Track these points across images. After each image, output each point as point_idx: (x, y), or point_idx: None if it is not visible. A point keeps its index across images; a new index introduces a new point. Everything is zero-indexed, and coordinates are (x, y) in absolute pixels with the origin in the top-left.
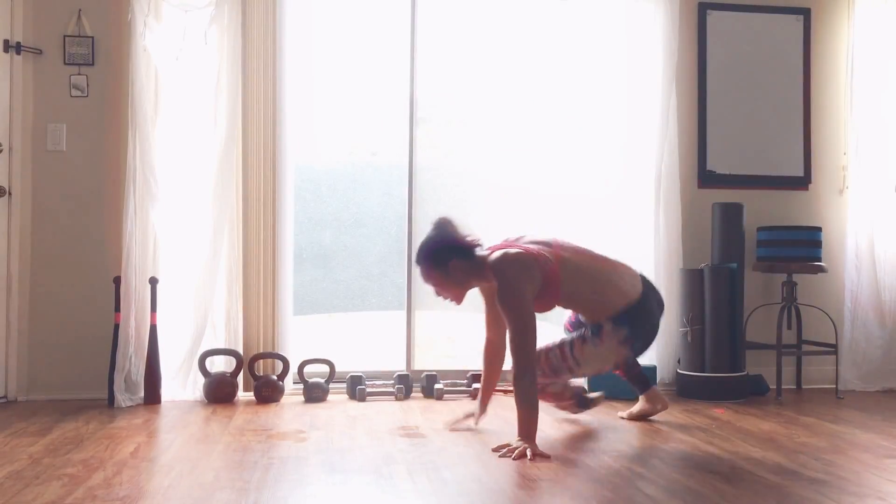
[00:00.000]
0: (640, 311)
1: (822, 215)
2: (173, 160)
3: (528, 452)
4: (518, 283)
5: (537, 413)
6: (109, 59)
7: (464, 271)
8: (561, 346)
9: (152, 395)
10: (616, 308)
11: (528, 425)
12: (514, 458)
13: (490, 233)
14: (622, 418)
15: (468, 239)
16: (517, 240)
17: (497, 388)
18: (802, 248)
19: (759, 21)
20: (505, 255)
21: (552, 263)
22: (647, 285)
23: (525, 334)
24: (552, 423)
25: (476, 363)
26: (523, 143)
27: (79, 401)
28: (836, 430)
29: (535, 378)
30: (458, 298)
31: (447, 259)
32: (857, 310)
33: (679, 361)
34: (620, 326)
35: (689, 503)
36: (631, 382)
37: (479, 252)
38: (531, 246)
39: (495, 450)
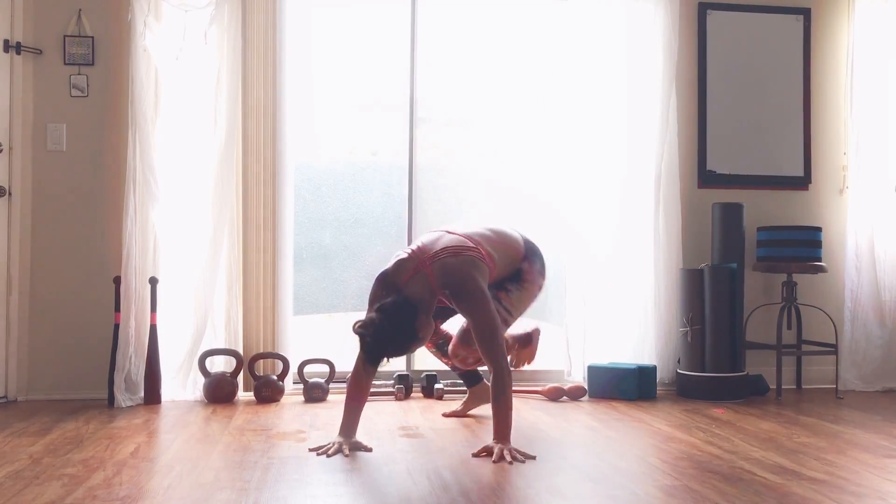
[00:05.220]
0: (530, 243)
1: (822, 215)
2: (173, 160)
3: (506, 455)
4: (475, 283)
5: (511, 413)
6: (109, 59)
7: (425, 317)
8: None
9: (152, 395)
10: (521, 251)
11: (503, 427)
12: (493, 461)
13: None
14: (445, 416)
15: (399, 301)
16: (426, 248)
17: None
18: (802, 248)
19: (759, 21)
20: (446, 265)
21: (484, 255)
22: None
23: (493, 335)
24: (554, 423)
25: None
26: (523, 144)
27: (79, 401)
28: (836, 430)
29: (509, 379)
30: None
31: (414, 334)
32: (857, 310)
33: (679, 361)
34: (533, 260)
35: (689, 503)
36: (462, 377)
37: (404, 281)
38: (456, 244)
39: (475, 455)
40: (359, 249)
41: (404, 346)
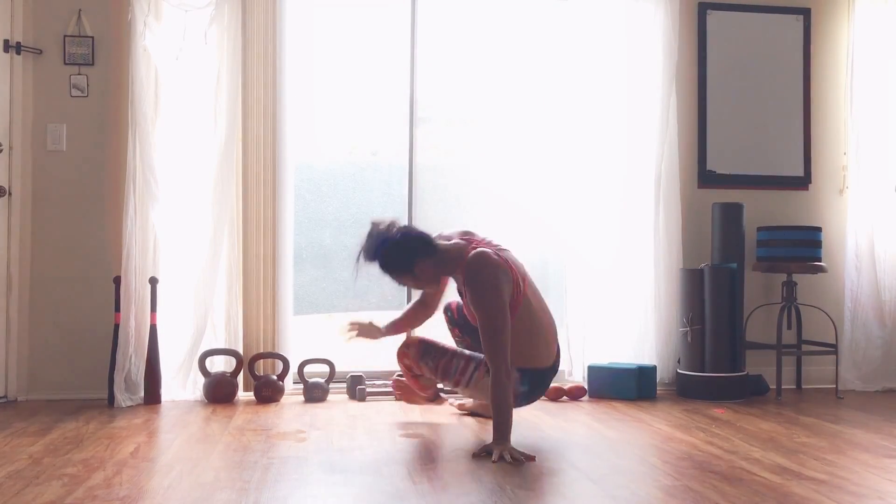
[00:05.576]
0: (544, 377)
1: (822, 215)
2: (173, 160)
3: (506, 455)
4: (497, 283)
5: (511, 415)
6: (109, 59)
7: (432, 268)
8: (468, 361)
9: (152, 395)
10: (530, 363)
11: (502, 428)
12: (493, 461)
13: (490, 233)
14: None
15: (424, 235)
16: (488, 242)
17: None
18: (802, 248)
19: (759, 21)
20: (485, 255)
21: (521, 292)
22: (558, 354)
23: (495, 335)
24: (554, 423)
25: None
26: (523, 143)
27: (79, 401)
28: (836, 430)
29: (509, 382)
30: (433, 288)
31: (412, 262)
32: (857, 310)
33: (679, 361)
34: (522, 383)
35: (689, 503)
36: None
37: (443, 244)
38: (510, 261)
39: (475, 455)
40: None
41: (393, 265)
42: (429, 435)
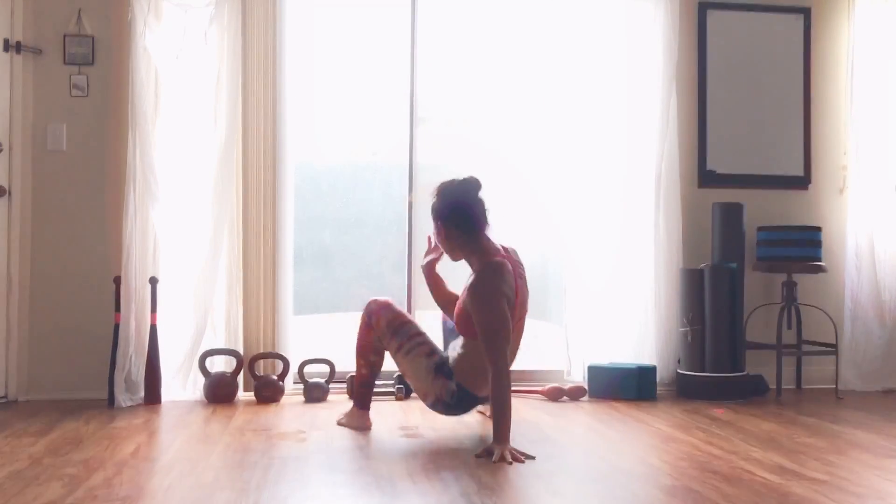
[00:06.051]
0: (475, 402)
1: (822, 215)
2: (173, 160)
3: (507, 455)
4: (505, 292)
5: (510, 413)
6: (109, 59)
7: (458, 244)
8: (421, 335)
9: (152, 395)
10: (471, 382)
11: (502, 427)
12: (494, 461)
13: (490, 233)
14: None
15: (482, 219)
16: (517, 262)
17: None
18: (802, 248)
19: (759, 21)
20: (507, 267)
21: (519, 318)
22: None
23: (499, 339)
24: (554, 423)
25: None
26: (523, 143)
27: (79, 401)
28: (836, 430)
29: (507, 381)
30: (452, 257)
31: (451, 223)
32: (857, 310)
33: (679, 361)
34: (454, 396)
35: (689, 503)
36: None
37: (486, 238)
38: (521, 294)
39: (478, 455)
40: (359, 249)
41: (446, 218)
42: (429, 435)
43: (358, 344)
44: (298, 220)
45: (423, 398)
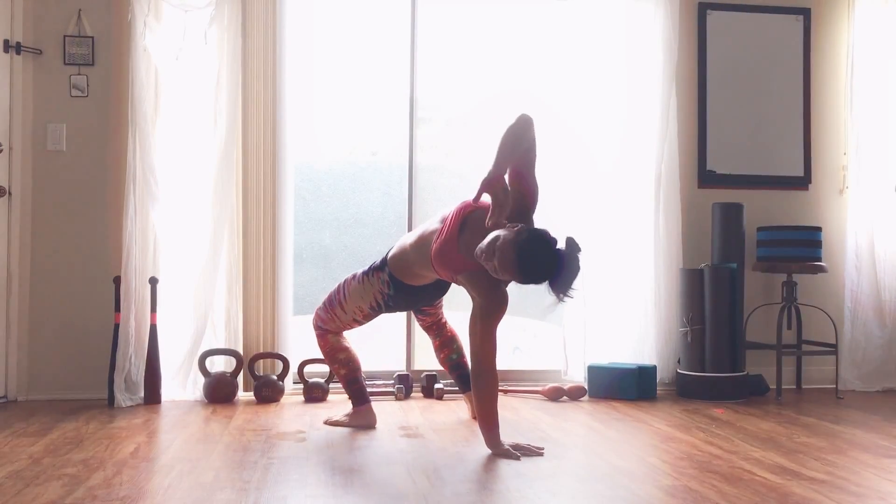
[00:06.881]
0: (409, 291)
1: (822, 215)
2: (173, 160)
3: (511, 454)
4: (502, 309)
5: (496, 417)
6: (109, 59)
7: (497, 279)
8: (344, 282)
9: (152, 395)
10: (404, 274)
11: (488, 433)
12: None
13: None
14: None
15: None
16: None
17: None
18: (802, 248)
19: (759, 21)
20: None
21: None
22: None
23: (489, 324)
24: (554, 423)
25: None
26: None
27: (79, 401)
28: (836, 430)
29: (492, 381)
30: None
31: (526, 279)
32: (857, 310)
33: (679, 361)
34: (391, 280)
35: (689, 503)
36: (456, 381)
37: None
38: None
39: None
40: (359, 249)
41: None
42: (429, 435)
43: (323, 353)
44: (298, 220)
45: (362, 313)
